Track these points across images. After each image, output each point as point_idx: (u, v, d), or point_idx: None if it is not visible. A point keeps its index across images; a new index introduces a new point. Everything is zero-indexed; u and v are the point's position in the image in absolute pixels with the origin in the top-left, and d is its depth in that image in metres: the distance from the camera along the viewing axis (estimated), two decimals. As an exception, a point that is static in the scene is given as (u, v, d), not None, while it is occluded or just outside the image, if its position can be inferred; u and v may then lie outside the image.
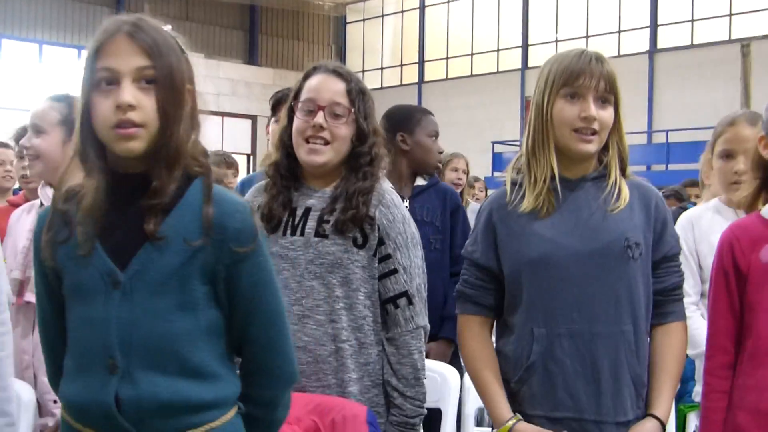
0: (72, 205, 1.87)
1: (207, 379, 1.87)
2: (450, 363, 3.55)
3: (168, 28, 1.94)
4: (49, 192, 3.04)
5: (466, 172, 6.63)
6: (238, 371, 1.99)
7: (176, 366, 1.83)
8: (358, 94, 2.77)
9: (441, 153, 4.33)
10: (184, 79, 1.90)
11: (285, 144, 2.79)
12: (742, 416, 2.46)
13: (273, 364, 1.98)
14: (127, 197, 1.86)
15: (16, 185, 4.98)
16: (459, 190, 6.35)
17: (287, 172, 2.78)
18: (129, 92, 1.80)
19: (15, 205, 4.14)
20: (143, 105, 1.82)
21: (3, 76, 25.73)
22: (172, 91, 1.86)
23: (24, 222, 3.14)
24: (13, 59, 26.67)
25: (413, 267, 2.78)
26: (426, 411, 2.82)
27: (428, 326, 2.78)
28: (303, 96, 2.75)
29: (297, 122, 2.74)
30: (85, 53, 1.93)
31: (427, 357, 3.36)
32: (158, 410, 1.82)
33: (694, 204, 4.57)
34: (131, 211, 1.85)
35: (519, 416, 2.45)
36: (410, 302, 2.75)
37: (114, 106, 1.80)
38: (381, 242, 2.73)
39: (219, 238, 1.85)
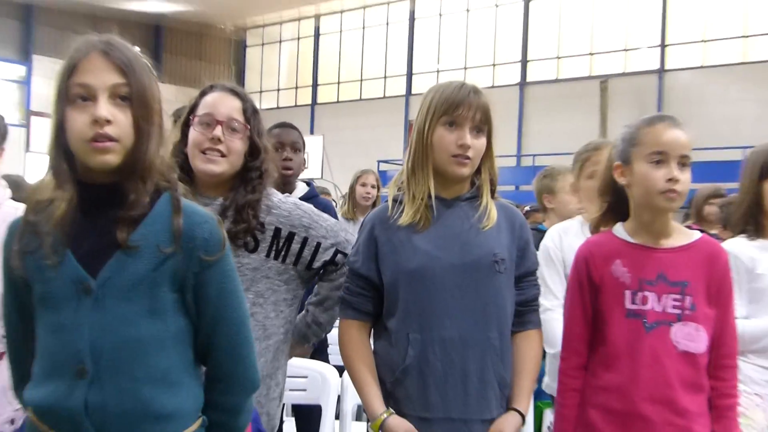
0: (41, 216, 1.83)
1: (172, 386, 1.84)
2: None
3: (137, 49, 1.92)
4: None
5: (375, 187, 6.69)
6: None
7: (144, 371, 1.80)
8: (252, 113, 2.77)
9: (289, 161, 4.26)
10: (155, 98, 1.88)
11: (179, 156, 2.72)
12: (593, 413, 2.55)
13: (237, 371, 1.97)
14: (97, 207, 1.85)
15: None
16: (370, 203, 6.52)
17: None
18: (105, 107, 1.79)
19: None
20: (119, 120, 1.80)
21: None
22: (146, 108, 1.85)
23: None
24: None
25: (330, 228, 2.81)
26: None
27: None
28: (200, 111, 2.71)
29: (194, 134, 2.69)
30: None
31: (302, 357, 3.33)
32: (122, 417, 1.78)
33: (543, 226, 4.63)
34: (101, 221, 1.83)
35: (392, 411, 2.45)
36: (345, 255, 2.78)
37: (90, 121, 1.78)
38: (291, 236, 2.74)
39: (188, 247, 1.85)
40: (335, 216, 4.17)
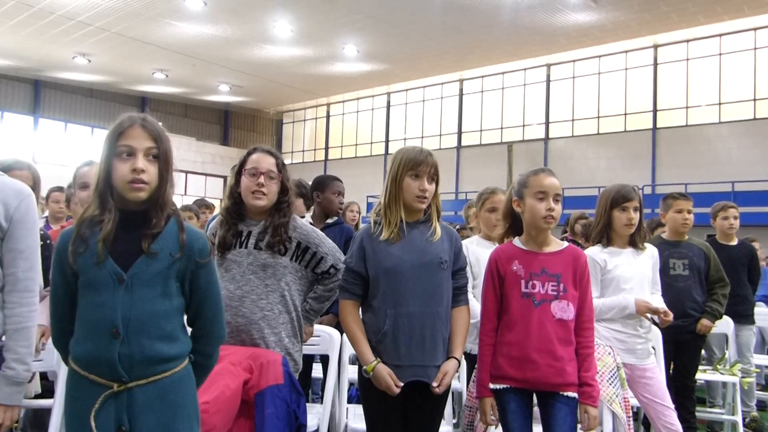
0: (88, 229, 1.83)
1: (173, 341, 1.86)
2: (335, 327, 3.50)
3: (160, 125, 1.94)
4: None
5: (358, 212, 6.79)
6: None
7: (157, 333, 1.82)
8: (282, 166, 2.80)
9: (341, 203, 4.37)
10: (171, 157, 1.90)
11: (234, 194, 2.77)
12: (501, 360, 2.56)
13: (213, 330, 1.98)
14: (130, 225, 1.84)
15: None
16: (354, 224, 6.48)
17: (234, 213, 2.78)
18: (141, 162, 1.82)
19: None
20: (149, 170, 1.83)
21: (63, 145, 24.65)
22: (166, 164, 1.87)
23: None
24: (72, 135, 25.54)
25: (331, 251, 2.82)
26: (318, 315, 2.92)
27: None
28: (248, 165, 2.75)
29: (245, 181, 2.73)
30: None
31: (320, 324, 3.31)
32: (143, 361, 1.79)
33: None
34: (132, 234, 1.83)
35: (379, 359, 2.46)
36: (336, 270, 2.80)
37: (131, 170, 1.81)
38: (306, 248, 2.75)
39: (188, 254, 1.87)
40: (351, 234, 4.21)
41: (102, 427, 1.76)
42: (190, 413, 1.89)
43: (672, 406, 3.34)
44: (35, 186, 3.24)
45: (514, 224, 2.74)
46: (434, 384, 2.45)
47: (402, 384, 2.42)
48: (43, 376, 3.45)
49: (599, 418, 2.74)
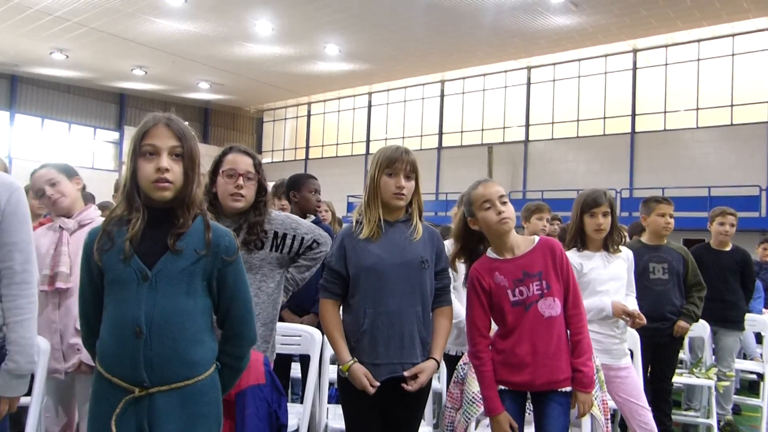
0: (115, 227, 1.84)
1: (198, 343, 1.83)
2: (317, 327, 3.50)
3: (187, 124, 1.93)
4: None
5: (329, 211, 6.70)
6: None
7: (180, 333, 1.80)
8: (259, 166, 2.79)
9: (319, 201, 4.32)
10: (198, 156, 1.90)
11: (209, 194, 2.74)
12: (496, 365, 2.56)
13: (244, 332, 1.95)
14: (156, 223, 1.84)
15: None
16: (327, 223, 6.38)
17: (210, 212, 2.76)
18: (166, 161, 1.82)
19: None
20: (174, 170, 1.83)
21: (40, 141, 24.37)
22: (191, 163, 1.87)
23: (46, 236, 2.93)
24: (50, 131, 25.26)
25: (309, 229, 2.86)
26: (296, 287, 2.92)
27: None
28: (225, 166, 2.73)
29: (223, 183, 2.72)
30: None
31: (302, 324, 3.30)
32: (165, 363, 1.77)
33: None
34: (158, 232, 1.82)
35: (356, 359, 2.46)
36: (318, 243, 2.85)
37: (155, 169, 1.81)
38: (284, 235, 2.78)
39: (215, 251, 1.86)
40: (331, 232, 4.20)
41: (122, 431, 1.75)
42: (212, 424, 1.87)
43: (647, 406, 3.38)
44: None
45: (465, 244, 2.73)
46: (407, 376, 2.44)
47: (378, 384, 2.42)
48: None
49: (576, 421, 2.76)
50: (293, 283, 2.89)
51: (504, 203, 2.57)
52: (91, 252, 1.83)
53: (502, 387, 2.54)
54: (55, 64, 22.04)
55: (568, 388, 2.52)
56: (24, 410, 2.75)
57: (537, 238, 2.65)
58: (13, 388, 2.07)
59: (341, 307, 2.62)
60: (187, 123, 1.94)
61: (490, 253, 2.66)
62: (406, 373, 2.44)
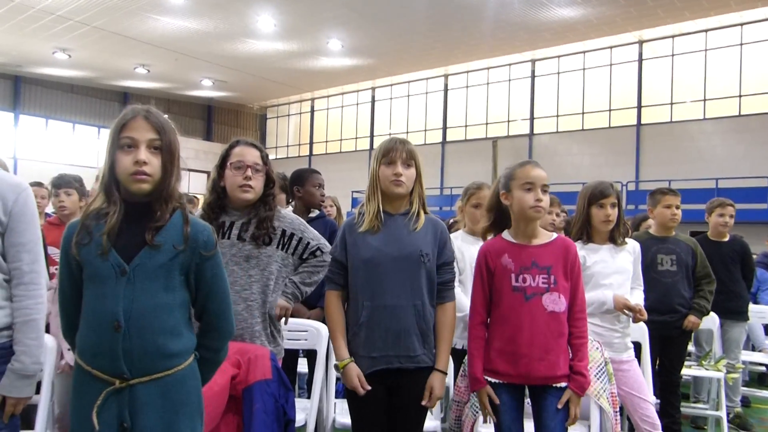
0: (93, 221, 1.82)
1: (176, 336, 1.83)
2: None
3: (166, 116, 1.92)
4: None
5: (333, 206, 6.74)
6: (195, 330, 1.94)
7: (159, 326, 1.80)
8: (266, 158, 2.80)
9: (323, 196, 4.33)
10: (177, 149, 1.88)
11: (216, 189, 2.76)
12: (493, 354, 2.57)
13: (222, 325, 1.95)
14: (135, 218, 1.82)
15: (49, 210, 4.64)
16: (333, 218, 6.41)
17: (217, 207, 2.77)
18: (144, 154, 1.80)
19: (51, 223, 3.95)
20: (152, 162, 1.81)
21: (45, 142, 24.38)
22: (171, 155, 1.85)
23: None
24: (54, 131, 25.31)
25: (315, 236, 2.87)
26: (302, 295, 2.87)
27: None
28: (233, 158, 2.74)
29: (231, 175, 2.72)
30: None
31: (309, 319, 3.31)
32: (145, 356, 1.77)
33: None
34: (136, 226, 1.81)
35: (353, 359, 2.48)
36: (322, 252, 2.85)
37: (133, 161, 1.79)
38: (292, 235, 2.78)
39: (193, 246, 1.85)
40: (335, 227, 4.19)
41: (104, 423, 1.75)
42: (193, 411, 1.87)
43: (650, 398, 3.38)
44: None
45: (497, 219, 2.73)
46: (423, 402, 2.47)
47: (369, 388, 2.44)
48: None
49: (585, 413, 2.75)
50: (299, 290, 2.86)
51: (545, 192, 2.58)
52: (69, 246, 1.83)
53: (499, 380, 2.54)
54: (57, 63, 22.09)
55: (564, 384, 2.51)
56: (34, 408, 2.77)
57: (556, 236, 2.66)
58: (19, 389, 2.07)
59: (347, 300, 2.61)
60: (167, 116, 1.95)
61: (505, 234, 2.67)
62: (424, 402, 2.48)
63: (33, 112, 24.62)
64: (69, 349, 2.74)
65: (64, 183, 4.00)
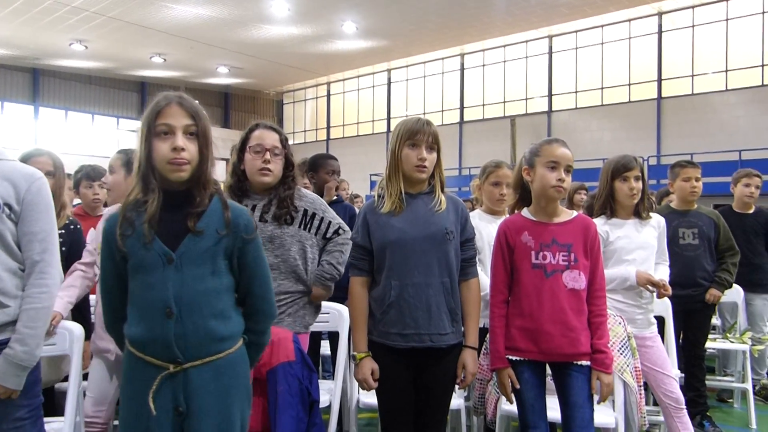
0: (133, 212, 1.84)
1: (226, 320, 1.87)
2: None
3: (196, 102, 1.93)
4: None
5: (345, 190, 6.93)
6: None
7: (208, 311, 1.83)
8: (285, 141, 2.82)
9: (337, 181, 4.37)
10: (210, 135, 1.90)
11: (237, 172, 2.80)
12: (514, 332, 2.56)
13: (265, 307, 1.99)
14: (174, 205, 1.84)
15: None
16: (346, 200, 6.47)
17: (238, 190, 2.80)
18: (181, 140, 1.81)
19: (77, 214, 3.93)
20: (189, 148, 1.82)
21: (65, 133, 24.66)
22: (206, 141, 1.87)
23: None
24: (73, 123, 25.58)
25: (334, 216, 2.92)
26: (339, 275, 2.89)
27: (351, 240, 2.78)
28: (252, 142, 2.77)
29: (250, 158, 2.75)
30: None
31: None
32: (198, 340, 1.81)
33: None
34: (176, 214, 1.83)
35: (369, 353, 2.49)
36: (344, 230, 2.90)
37: (170, 148, 1.80)
38: (313, 214, 2.82)
39: (234, 230, 1.87)
40: (353, 212, 4.22)
41: (160, 408, 1.78)
42: (243, 395, 1.90)
43: (672, 374, 3.36)
44: (57, 171, 3.26)
45: (524, 195, 2.72)
46: (458, 385, 2.50)
47: (375, 385, 2.46)
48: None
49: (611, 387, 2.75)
50: (326, 275, 2.86)
51: (568, 172, 2.56)
52: (113, 239, 1.84)
53: (520, 357, 2.55)
54: (75, 55, 22.26)
55: (587, 363, 2.51)
56: (62, 395, 2.82)
57: (576, 214, 2.65)
58: (7, 378, 2.02)
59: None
60: (197, 102, 1.96)
61: (525, 212, 2.66)
62: (458, 381, 2.50)
63: (52, 104, 24.89)
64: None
65: (98, 175, 4.04)
